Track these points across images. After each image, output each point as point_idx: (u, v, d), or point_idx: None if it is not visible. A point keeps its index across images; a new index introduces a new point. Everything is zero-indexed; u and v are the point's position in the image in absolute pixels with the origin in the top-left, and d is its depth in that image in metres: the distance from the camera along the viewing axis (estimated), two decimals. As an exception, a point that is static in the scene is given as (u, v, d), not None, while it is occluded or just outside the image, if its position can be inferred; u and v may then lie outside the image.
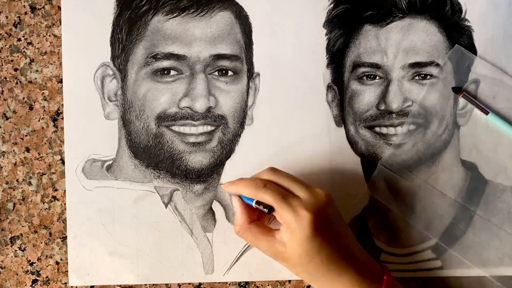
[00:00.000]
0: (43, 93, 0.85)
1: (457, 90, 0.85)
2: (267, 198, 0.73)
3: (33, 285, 0.84)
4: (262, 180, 0.76)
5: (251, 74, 0.86)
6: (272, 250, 0.75)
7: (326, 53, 0.86)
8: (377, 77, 0.85)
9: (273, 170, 0.78)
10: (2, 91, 0.85)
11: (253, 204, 0.75)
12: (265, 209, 0.74)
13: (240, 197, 0.78)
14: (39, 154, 0.85)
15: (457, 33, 0.86)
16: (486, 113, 0.84)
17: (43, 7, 0.86)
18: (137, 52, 0.84)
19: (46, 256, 0.84)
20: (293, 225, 0.72)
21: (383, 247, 0.85)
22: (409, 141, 0.85)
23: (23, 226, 0.84)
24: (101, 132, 0.85)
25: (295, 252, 0.73)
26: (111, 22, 0.85)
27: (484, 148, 0.85)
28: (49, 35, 0.86)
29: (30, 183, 0.85)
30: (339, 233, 0.75)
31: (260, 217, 0.79)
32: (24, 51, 0.86)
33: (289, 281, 0.84)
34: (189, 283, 0.85)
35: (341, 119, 0.86)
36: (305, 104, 0.86)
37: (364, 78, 0.86)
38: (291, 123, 0.85)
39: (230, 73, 0.85)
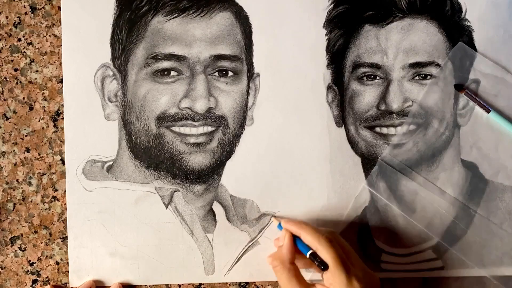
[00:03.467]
0: (43, 93, 0.85)
1: (459, 87, 0.85)
2: (327, 253, 0.74)
3: (33, 285, 0.84)
4: (328, 234, 0.77)
5: (251, 75, 0.86)
6: None
7: (326, 54, 0.86)
8: (377, 77, 0.85)
9: (335, 233, 0.79)
10: (2, 91, 0.85)
11: (307, 254, 0.76)
12: (321, 266, 0.74)
13: (291, 234, 0.79)
14: (39, 154, 0.85)
15: (457, 33, 0.86)
16: (488, 111, 0.84)
17: (43, 7, 0.86)
18: (137, 53, 0.84)
19: (46, 256, 0.84)
20: None
21: (384, 247, 0.85)
22: (410, 141, 0.85)
23: (23, 226, 0.84)
24: (101, 133, 0.85)
25: None
26: (111, 23, 0.85)
27: (484, 147, 0.85)
28: (49, 35, 0.86)
29: (30, 183, 0.85)
30: None
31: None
32: (24, 51, 0.86)
33: (290, 281, 0.84)
34: (190, 284, 0.85)
35: (341, 119, 0.86)
36: (305, 104, 0.86)
37: (364, 78, 0.86)
38: (291, 124, 0.85)
39: (230, 73, 0.84)
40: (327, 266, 0.74)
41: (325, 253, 0.74)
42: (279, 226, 0.81)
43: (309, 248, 0.76)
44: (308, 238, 0.76)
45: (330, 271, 0.73)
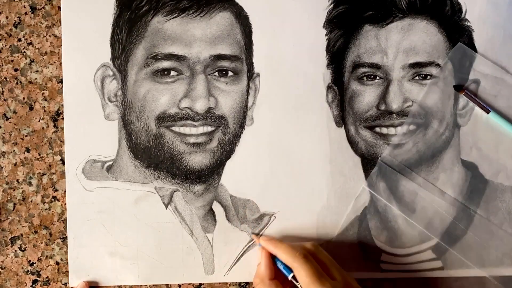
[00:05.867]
0: (43, 93, 0.85)
1: (459, 88, 0.85)
2: (302, 271, 0.74)
3: (33, 285, 0.84)
4: (303, 250, 0.77)
5: (251, 75, 0.86)
6: None
7: (326, 54, 0.86)
8: (377, 77, 0.85)
9: (316, 246, 0.79)
10: (3, 91, 0.85)
11: (289, 277, 0.77)
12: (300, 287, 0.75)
13: (268, 252, 0.80)
14: (39, 154, 0.85)
15: (457, 33, 0.86)
16: (487, 111, 0.84)
17: (43, 8, 0.86)
18: (137, 53, 0.84)
19: (47, 257, 0.84)
20: None
21: (383, 247, 0.85)
22: (410, 141, 0.85)
23: (23, 227, 0.84)
24: (101, 132, 0.85)
25: None
26: (111, 23, 0.85)
27: (484, 147, 0.85)
28: (49, 36, 0.86)
29: (30, 184, 0.85)
30: None
31: (277, 276, 0.80)
32: (24, 52, 0.86)
33: (290, 281, 0.84)
34: (190, 284, 0.85)
35: (341, 120, 0.86)
36: (305, 104, 0.86)
37: (364, 78, 0.86)
38: (291, 124, 0.85)
39: (230, 73, 0.84)
40: None
41: (300, 271, 0.74)
42: (259, 245, 0.82)
43: (290, 270, 0.77)
44: (284, 256, 0.77)
45: None
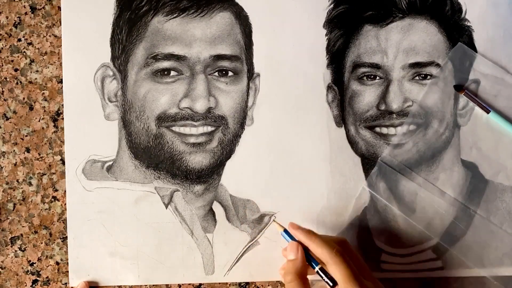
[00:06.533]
0: (43, 93, 0.85)
1: (459, 88, 0.85)
2: (339, 269, 0.71)
3: (34, 285, 0.84)
4: (337, 247, 0.73)
5: (251, 75, 0.86)
6: None
7: (326, 54, 0.86)
8: (377, 77, 0.85)
9: (345, 242, 0.77)
10: (3, 91, 0.85)
11: (316, 269, 0.74)
12: (330, 283, 0.72)
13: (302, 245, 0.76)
14: (39, 154, 0.85)
15: (457, 33, 0.86)
16: (488, 111, 0.84)
17: (43, 8, 0.86)
18: (137, 53, 0.84)
19: (47, 257, 0.84)
20: None
21: (383, 247, 0.85)
22: (410, 141, 0.85)
23: (23, 227, 0.84)
24: (101, 132, 0.85)
25: None
26: (111, 23, 0.85)
27: (484, 147, 0.85)
28: (49, 36, 0.86)
29: (30, 184, 0.85)
30: None
31: None
32: (24, 52, 0.86)
33: (290, 281, 0.84)
34: (190, 284, 0.85)
35: (341, 119, 0.86)
36: (305, 104, 0.86)
37: (364, 78, 0.86)
38: (291, 124, 0.85)
39: (230, 73, 0.84)
40: (336, 283, 0.71)
41: (337, 269, 0.71)
42: (286, 232, 0.78)
43: (316, 261, 0.74)
44: (319, 251, 0.73)
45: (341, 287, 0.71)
